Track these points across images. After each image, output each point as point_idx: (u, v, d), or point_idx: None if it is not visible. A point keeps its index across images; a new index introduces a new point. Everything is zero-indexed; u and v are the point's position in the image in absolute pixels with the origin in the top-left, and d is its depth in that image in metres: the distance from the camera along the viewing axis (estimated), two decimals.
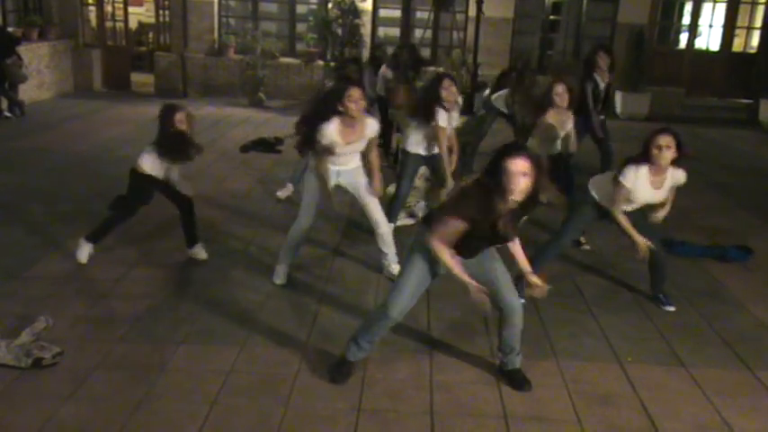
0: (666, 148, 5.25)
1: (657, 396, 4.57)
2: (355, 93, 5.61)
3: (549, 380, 4.72)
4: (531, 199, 4.07)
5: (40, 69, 14.92)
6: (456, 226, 4.10)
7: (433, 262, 4.36)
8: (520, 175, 3.92)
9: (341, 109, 5.60)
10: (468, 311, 5.58)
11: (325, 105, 5.76)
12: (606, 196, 5.61)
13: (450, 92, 6.68)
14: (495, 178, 3.99)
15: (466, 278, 4.19)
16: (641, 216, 5.71)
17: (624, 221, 5.49)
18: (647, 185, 5.43)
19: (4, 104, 12.94)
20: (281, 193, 8.43)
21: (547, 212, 6.97)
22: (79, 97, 15.49)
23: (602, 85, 8.45)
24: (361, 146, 5.86)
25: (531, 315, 5.64)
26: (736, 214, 8.87)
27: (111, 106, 14.45)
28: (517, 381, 4.64)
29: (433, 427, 4.16)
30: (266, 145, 11.08)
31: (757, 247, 7.30)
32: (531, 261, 5.91)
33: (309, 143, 5.78)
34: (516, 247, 4.54)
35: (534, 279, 4.49)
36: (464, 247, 4.27)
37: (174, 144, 6.01)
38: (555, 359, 4.98)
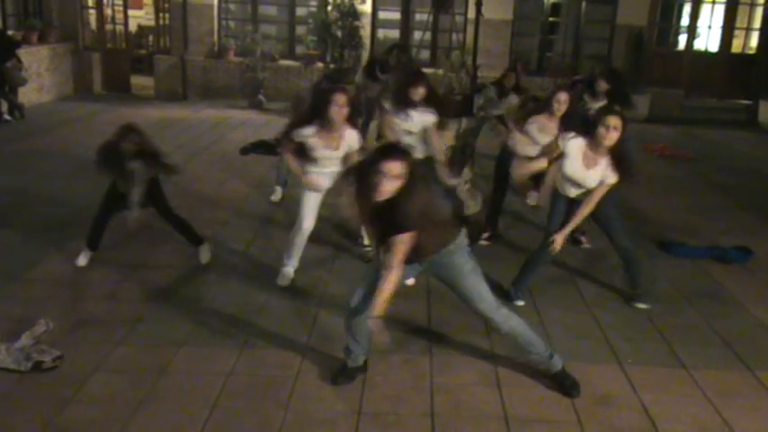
0: (614, 129, 5.24)
1: (658, 397, 4.57)
2: (341, 98, 5.56)
3: (550, 381, 4.71)
4: (401, 204, 4.01)
5: (40, 72, 14.92)
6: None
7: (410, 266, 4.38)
8: (390, 177, 3.93)
9: (325, 113, 5.56)
10: (469, 313, 5.58)
11: (311, 108, 5.76)
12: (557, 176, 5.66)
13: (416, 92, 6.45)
14: (368, 174, 4.01)
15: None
16: (606, 216, 5.78)
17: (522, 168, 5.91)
18: (579, 158, 5.42)
19: (4, 107, 12.94)
20: (274, 197, 8.44)
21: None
22: (79, 100, 15.49)
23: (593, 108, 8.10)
24: (339, 154, 5.77)
25: (531, 316, 5.65)
26: (735, 215, 8.87)
27: (111, 109, 14.44)
28: (565, 386, 4.60)
29: (433, 430, 4.15)
30: (266, 147, 11.04)
31: (757, 247, 7.29)
32: (526, 265, 5.97)
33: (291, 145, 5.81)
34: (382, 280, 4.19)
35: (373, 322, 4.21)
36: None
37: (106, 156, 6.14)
38: None
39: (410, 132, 6.40)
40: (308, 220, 5.90)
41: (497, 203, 7.52)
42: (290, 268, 6.05)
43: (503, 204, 7.57)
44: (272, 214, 7.94)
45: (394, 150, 4.12)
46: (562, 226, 5.67)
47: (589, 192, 5.50)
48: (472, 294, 4.45)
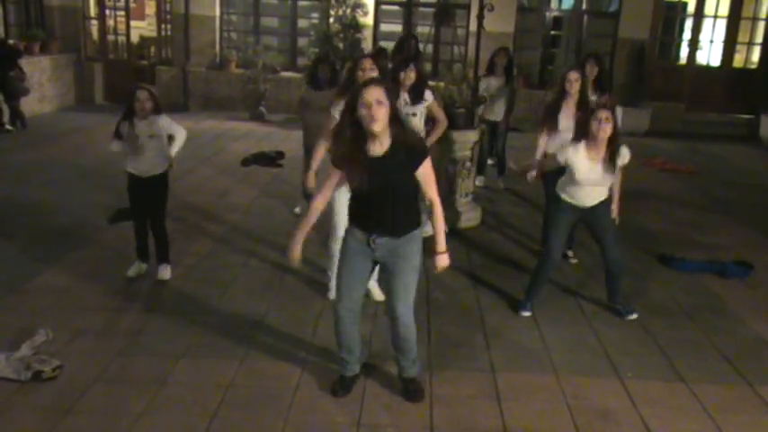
0: (606, 121, 5.38)
1: (657, 412, 4.57)
2: (367, 62, 5.63)
3: (549, 395, 4.71)
4: (400, 133, 4.10)
5: (42, 83, 14.96)
6: (330, 175, 4.23)
7: (362, 244, 4.32)
8: (374, 102, 3.96)
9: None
10: (468, 326, 5.59)
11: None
12: (571, 188, 5.70)
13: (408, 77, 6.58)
14: (353, 113, 4.05)
15: (296, 238, 4.33)
16: (598, 219, 5.79)
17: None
18: (584, 161, 5.52)
19: (6, 117, 12.97)
20: (299, 209, 8.36)
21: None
22: (81, 111, 15.52)
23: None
24: None
25: (531, 330, 5.66)
26: (736, 230, 8.87)
27: (113, 120, 14.28)
28: (409, 391, 4.60)
29: None
30: (267, 159, 11.09)
31: (757, 262, 7.29)
32: (529, 287, 5.98)
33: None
34: (437, 211, 4.33)
35: (441, 259, 4.38)
36: (357, 210, 4.31)
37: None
38: (555, 374, 4.97)
39: (414, 114, 6.53)
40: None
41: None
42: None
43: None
44: (274, 226, 7.93)
45: (370, 81, 4.20)
46: (570, 240, 5.72)
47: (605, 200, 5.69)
48: (398, 290, 4.38)
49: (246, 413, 4.33)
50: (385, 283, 4.45)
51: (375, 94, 3.96)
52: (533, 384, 4.81)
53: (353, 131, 4.07)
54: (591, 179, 5.57)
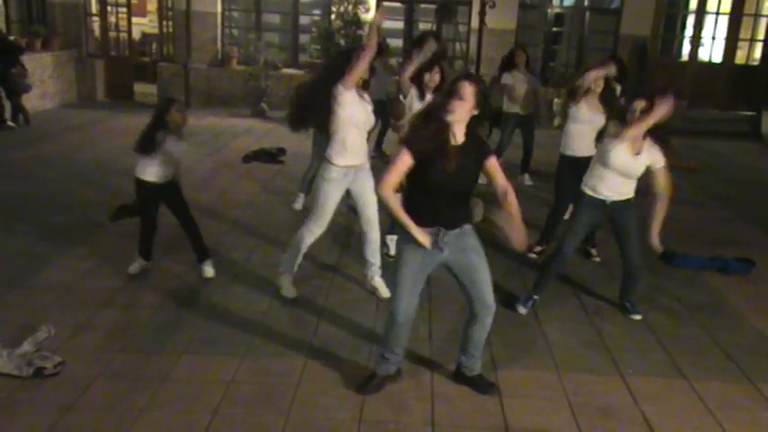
0: (642, 112, 5.50)
1: (659, 408, 4.57)
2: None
3: (551, 392, 4.71)
4: (476, 124, 4.24)
5: (44, 79, 14.95)
6: (403, 160, 4.16)
7: (424, 253, 4.30)
8: (459, 96, 4.07)
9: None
10: None
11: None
12: (596, 180, 5.68)
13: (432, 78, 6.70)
14: (439, 105, 4.18)
15: (411, 224, 4.21)
16: (622, 216, 5.76)
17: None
18: (625, 146, 5.53)
19: (8, 114, 12.97)
20: (297, 205, 8.41)
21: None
22: (82, 107, 15.53)
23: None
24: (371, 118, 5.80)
25: (532, 327, 5.66)
26: (738, 227, 8.87)
27: (114, 116, 14.47)
28: (483, 386, 4.65)
29: None
30: (268, 155, 11.09)
31: (759, 259, 7.29)
32: (537, 281, 5.97)
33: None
34: (512, 197, 4.43)
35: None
36: (424, 207, 4.27)
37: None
38: (556, 371, 4.97)
39: None
40: (323, 225, 5.85)
41: (556, 218, 7.35)
42: (291, 277, 6.04)
43: (561, 219, 7.35)
44: (275, 223, 7.94)
45: (470, 75, 4.33)
46: (587, 238, 5.70)
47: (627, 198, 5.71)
48: (488, 281, 4.45)
49: (248, 410, 4.33)
50: (468, 284, 4.42)
51: (471, 90, 4.09)
52: (535, 381, 4.81)
53: (439, 121, 4.15)
54: (625, 167, 5.57)
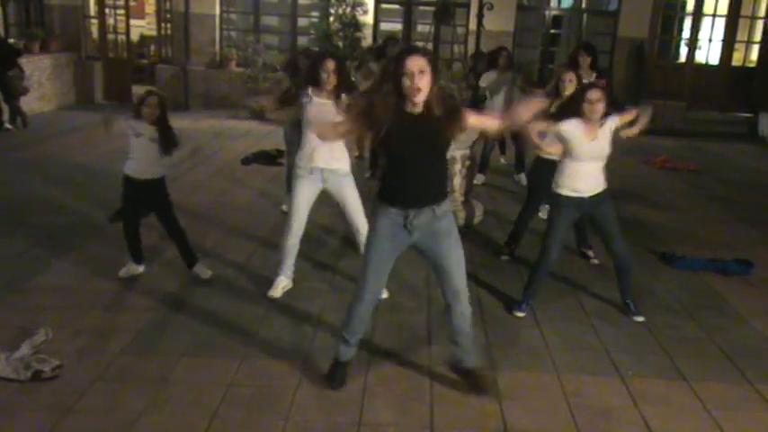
0: (598, 101, 5.42)
1: (658, 410, 4.56)
2: (330, 63, 5.60)
3: (550, 393, 4.71)
4: (440, 102, 4.07)
5: (42, 81, 14.96)
6: (347, 123, 4.29)
7: (393, 235, 4.30)
8: (417, 72, 3.93)
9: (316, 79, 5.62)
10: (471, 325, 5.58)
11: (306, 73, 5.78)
12: (569, 179, 5.67)
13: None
14: (393, 82, 4.02)
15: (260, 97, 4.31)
16: (600, 209, 5.77)
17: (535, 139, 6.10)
18: (581, 136, 5.54)
19: (6, 116, 12.96)
20: (285, 207, 8.41)
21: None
22: (80, 109, 15.51)
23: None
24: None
25: (531, 329, 5.66)
26: (736, 228, 8.87)
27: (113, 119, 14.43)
28: (473, 379, 4.62)
29: None
30: (268, 157, 11.09)
31: (758, 260, 7.29)
32: (526, 287, 5.98)
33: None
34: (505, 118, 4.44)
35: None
36: (394, 186, 4.24)
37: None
38: (556, 373, 4.97)
39: None
40: (300, 223, 5.90)
41: (525, 219, 7.30)
42: (284, 278, 6.06)
43: (530, 222, 7.36)
44: (274, 225, 7.91)
45: (413, 48, 4.23)
46: (580, 240, 5.73)
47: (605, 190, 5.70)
48: (458, 267, 4.40)
49: (247, 412, 4.32)
50: (437, 269, 4.42)
51: (418, 64, 3.95)
52: (534, 383, 4.81)
53: (391, 93, 4.04)
54: (591, 152, 5.57)
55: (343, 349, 4.65)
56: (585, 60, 8.39)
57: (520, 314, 5.87)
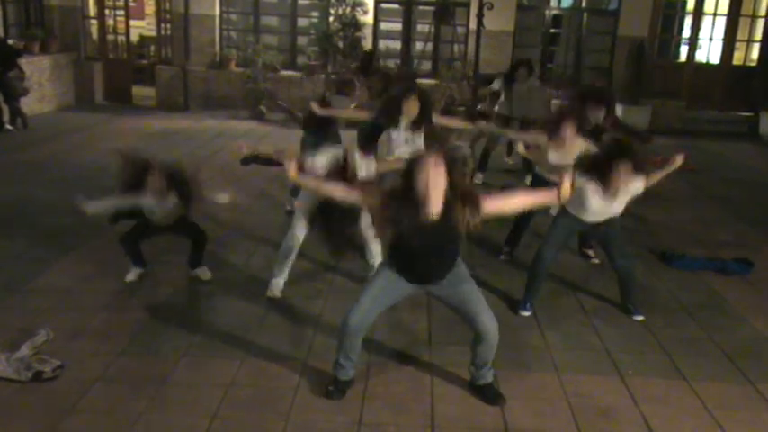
0: (625, 173, 5.31)
1: (658, 409, 4.57)
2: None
3: (550, 393, 4.71)
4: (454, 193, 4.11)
5: (42, 82, 14.94)
6: (364, 194, 4.32)
7: (398, 280, 4.37)
8: (432, 186, 3.99)
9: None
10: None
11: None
12: (575, 203, 5.59)
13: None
14: (411, 187, 4.06)
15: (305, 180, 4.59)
16: (603, 231, 5.82)
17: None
18: (599, 199, 5.51)
19: (6, 117, 12.96)
20: (290, 206, 8.39)
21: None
22: (80, 110, 15.49)
23: None
24: None
25: (532, 329, 5.65)
26: (736, 227, 8.87)
27: (113, 119, 14.47)
28: (490, 395, 4.60)
29: None
30: (267, 158, 11.05)
31: (757, 259, 7.29)
32: (526, 287, 5.98)
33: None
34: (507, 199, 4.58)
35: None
36: (405, 262, 4.33)
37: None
38: (556, 372, 4.98)
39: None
40: (302, 228, 5.92)
41: (526, 220, 7.11)
42: (280, 279, 6.07)
43: (528, 225, 7.22)
44: (274, 226, 7.92)
45: (427, 152, 4.29)
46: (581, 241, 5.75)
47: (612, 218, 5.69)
48: (482, 308, 4.44)
49: (247, 413, 4.33)
50: (464, 314, 4.48)
51: (436, 176, 3.99)
52: (534, 383, 4.82)
53: (407, 196, 4.09)
54: (600, 210, 5.58)
55: (340, 372, 4.61)
56: (594, 111, 7.40)
57: (525, 313, 5.89)
